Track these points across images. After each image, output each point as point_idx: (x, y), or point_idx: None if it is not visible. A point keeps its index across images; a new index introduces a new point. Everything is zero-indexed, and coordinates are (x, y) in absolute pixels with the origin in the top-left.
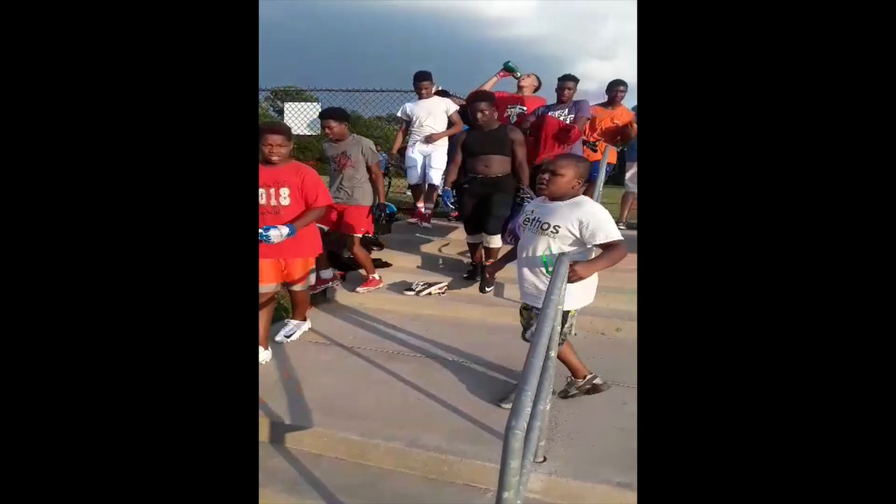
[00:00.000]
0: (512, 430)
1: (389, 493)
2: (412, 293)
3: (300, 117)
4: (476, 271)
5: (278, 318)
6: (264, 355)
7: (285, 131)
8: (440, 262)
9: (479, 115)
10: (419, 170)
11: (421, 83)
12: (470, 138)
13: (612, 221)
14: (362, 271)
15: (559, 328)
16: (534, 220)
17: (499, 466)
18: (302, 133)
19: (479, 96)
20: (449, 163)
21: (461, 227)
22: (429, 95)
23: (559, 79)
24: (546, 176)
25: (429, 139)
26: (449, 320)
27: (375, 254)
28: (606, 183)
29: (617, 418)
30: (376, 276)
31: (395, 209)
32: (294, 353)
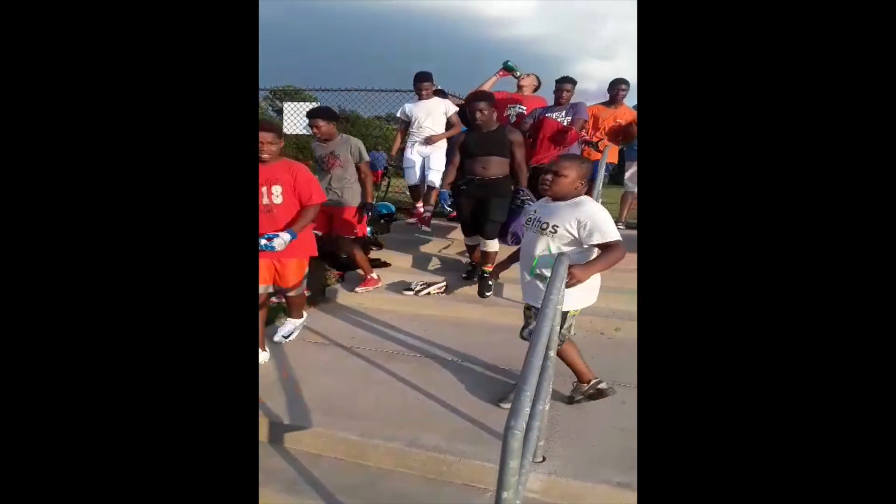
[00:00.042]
0: (511, 429)
1: (388, 492)
2: (411, 293)
3: (299, 117)
4: (475, 271)
5: (277, 318)
6: (262, 356)
7: (275, 129)
8: (439, 261)
9: (479, 114)
10: (417, 171)
11: (421, 84)
12: (468, 139)
13: (610, 222)
14: (360, 271)
15: (558, 328)
16: (535, 219)
17: (498, 466)
18: (300, 133)
19: (478, 96)
20: (448, 164)
21: (459, 227)
22: (429, 96)
23: (557, 81)
24: (549, 177)
25: (428, 140)
26: (448, 320)
27: (374, 253)
28: (607, 183)
29: (616, 418)
30: (374, 275)
31: (394, 209)
32: (293, 353)
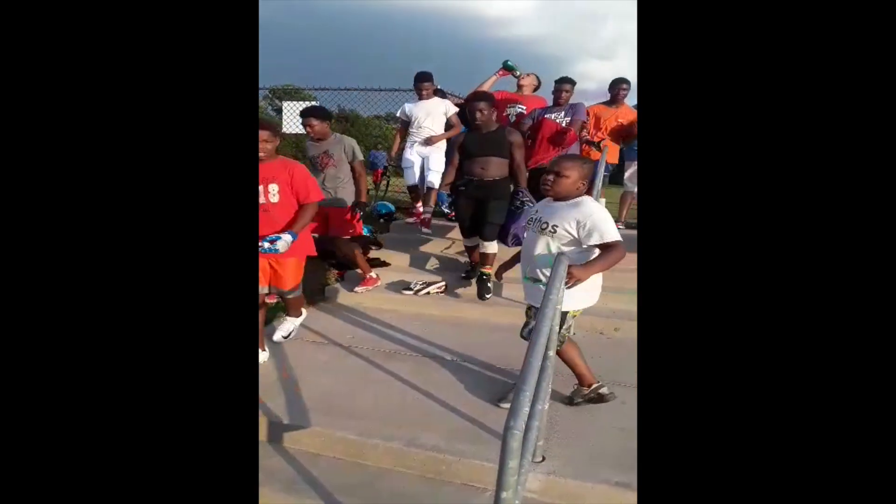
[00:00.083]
0: (510, 429)
1: (387, 492)
2: (410, 292)
3: (298, 116)
4: (474, 271)
5: (276, 318)
6: (262, 356)
7: (271, 126)
8: (438, 261)
9: (478, 114)
10: (416, 171)
11: (421, 84)
12: (468, 140)
13: (610, 222)
14: (359, 271)
15: (558, 328)
16: (536, 219)
17: (497, 466)
18: (300, 132)
19: (478, 96)
20: (447, 164)
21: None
22: (429, 96)
23: (556, 81)
24: (550, 177)
25: (427, 141)
26: (447, 320)
27: (374, 253)
28: (606, 183)
29: (616, 418)
30: (373, 274)
31: (394, 209)
32: (292, 352)
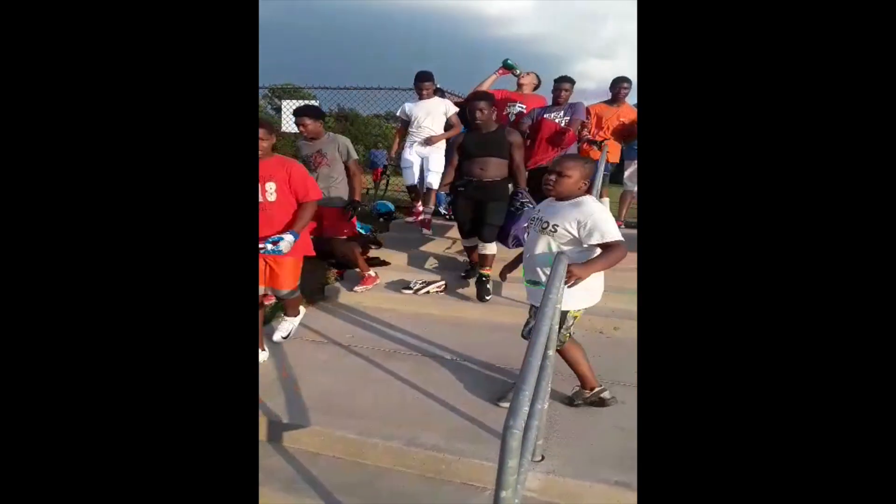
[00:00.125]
0: (510, 429)
1: (387, 491)
2: (410, 292)
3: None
4: (473, 270)
5: (274, 318)
6: (261, 355)
7: (266, 124)
8: (438, 260)
9: (478, 113)
10: (416, 171)
11: (422, 83)
12: (467, 140)
13: (611, 222)
14: (358, 270)
15: (557, 327)
16: (538, 219)
17: (497, 465)
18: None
19: (478, 96)
20: (446, 165)
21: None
22: (430, 96)
23: (555, 80)
24: (552, 177)
25: (427, 141)
26: (447, 319)
27: (373, 252)
28: (607, 182)
29: (615, 417)
30: (372, 273)
31: (394, 208)
32: (292, 351)
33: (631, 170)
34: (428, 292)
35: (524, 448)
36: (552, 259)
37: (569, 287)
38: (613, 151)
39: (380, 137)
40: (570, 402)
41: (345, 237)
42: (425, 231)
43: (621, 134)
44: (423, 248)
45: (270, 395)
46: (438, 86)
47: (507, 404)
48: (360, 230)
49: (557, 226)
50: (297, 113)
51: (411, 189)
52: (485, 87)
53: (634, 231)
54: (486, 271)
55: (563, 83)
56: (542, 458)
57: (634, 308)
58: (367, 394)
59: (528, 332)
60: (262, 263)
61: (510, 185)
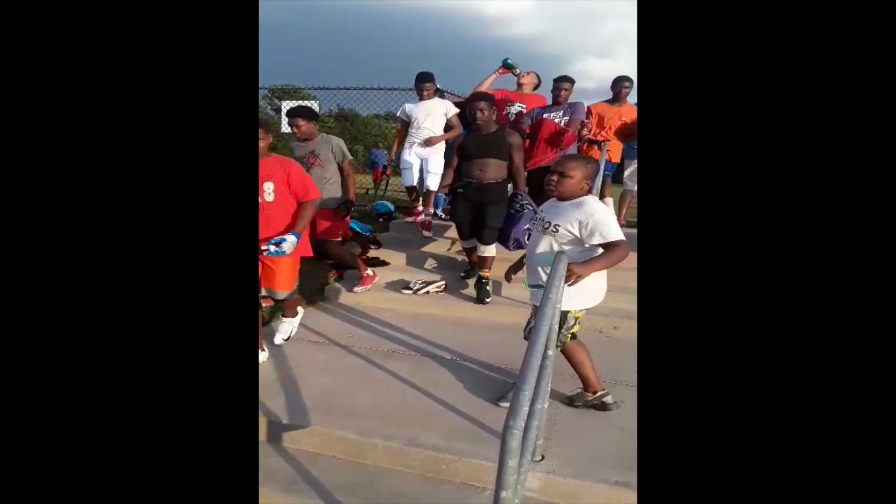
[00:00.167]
0: (510, 429)
1: (387, 491)
2: (410, 292)
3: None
4: (473, 270)
5: (274, 319)
6: (261, 355)
7: (263, 124)
8: (438, 260)
9: (479, 113)
10: (415, 172)
11: (423, 84)
12: (466, 141)
13: (612, 222)
14: (356, 271)
15: (557, 327)
16: (539, 219)
17: (496, 465)
18: None
19: (478, 96)
20: (446, 167)
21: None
22: (430, 97)
23: (555, 80)
24: (555, 177)
25: (427, 142)
26: (447, 319)
27: (373, 252)
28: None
29: (615, 417)
30: (370, 272)
31: (393, 208)
32: (291, 352)
33: (631, 169)
34: (428, 292)
35: (524, 448)
36: (552, 258)
37: (569, 286)
38: (616, 151)
39: (379, 137)
40: (570, 402)
41: (339, 239)
42: (425, 233)
43: (623, 133)
44: (422, 249)
45: (270, 396)
46: (438, 86)
47: (507, 404)
48: (360, 230)
49: (559, 226)
50: (291, 114)
51: (410, 190)
52: (485, 86)
53: (634, 230)
54: (485, 273)
55: (563, 83)
56: (543, 457)
57: (634, 308)
58: (367, 394)
59: (530, 332)
60: (259, 263)
61: (510, 187)
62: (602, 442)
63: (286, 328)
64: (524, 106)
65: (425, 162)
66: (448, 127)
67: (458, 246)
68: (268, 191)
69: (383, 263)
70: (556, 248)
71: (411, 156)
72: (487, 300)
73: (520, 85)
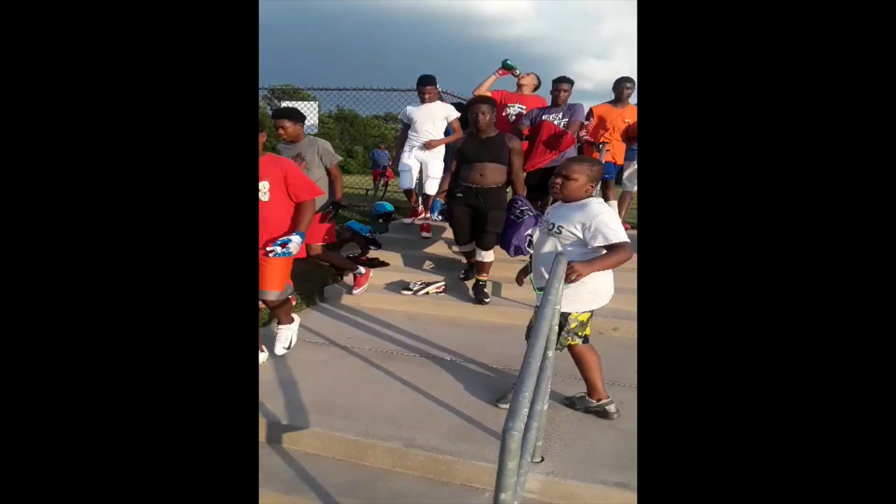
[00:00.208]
0: (509, 431)
1: (387, 492)
2: (410, 293)
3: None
4: (472, 271)
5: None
6: (261, 356)
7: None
8: (438, 261)
9: (480, 116)
10: (413, 174)
11: (424, 87)
12: (466, 145)
13: (615, 223)
14: (350, 274)
15: (557, 328)
16: (545, 221)
17: (496, 466)
18: None
19: (479, 99)
20: (445, 171)
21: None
22: (432, 100)
23: (553, 81)
24: (559, 180)
25: (426, 145)
26: (447, 320)
27: (373, 253)
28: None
29: (615, 419)
30: (361, 270)
31: (393, 209)
32: (291, 353)
33: (630, 170)
34: (427, 293)
35: (524, 449)
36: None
37: (568, 283)
38: (619, 153)
39: (379, 138)
40: (570, 404)
41: (324, 242)
42: (424, 234)
43: (627, 134)
44: (422, 249)
45: (270, 396)
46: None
47: (506, 405)
48: (360, 231)
49: (563, 227)
50: (276, 115)
51: (408, 193)
52: (484, 87)
53: (634, 232)
54: (483, 278)
55: (562, 84)
56: (542, 459)
57: (634, 308)
58: (366, 395)
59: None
60: None
61: (508, 191)
62: (601, 443)
63: (285, 336)
64: (524, 107)
65: (425, 166)
66: (449, 131)
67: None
68: (263, 190)
69: (383, 264)
70: (560, 249)
71: (411, 159)
72: (487, 301)
73: (520, 86)
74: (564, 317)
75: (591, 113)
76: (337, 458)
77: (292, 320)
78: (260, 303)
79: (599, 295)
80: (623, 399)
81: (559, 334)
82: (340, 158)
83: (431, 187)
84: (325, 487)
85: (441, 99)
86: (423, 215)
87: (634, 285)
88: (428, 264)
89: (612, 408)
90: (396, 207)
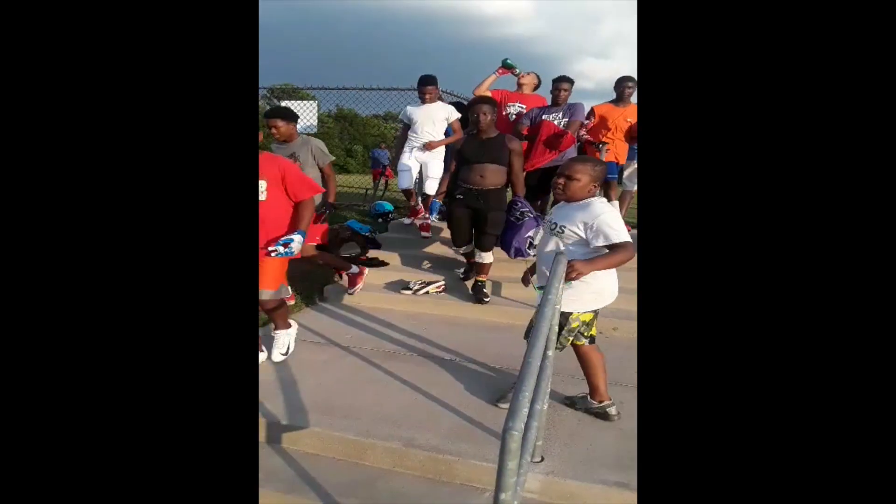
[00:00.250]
0: (509, 430)
1: (387, 492)
2: (409, 292)
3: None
4: (472, 270)
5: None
6: (260, 356)
7: None
8: (437, 261)
9: (481, 116)
10: (413, 175)
11: (424, 88)
12: (466, 146)
13: (618, 223)
14: (345, 275)
15: (557, 328)
16: (549, 220)
17: (496, 466)
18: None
19: (480, 100)
20: (445, 171)
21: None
22: (432, 100)
23: (553, 80)
24: (562, 181)
25: (426, 146)
26: (446, 319)
27: (372, 252)
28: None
29: (615, 420)
30: (355, 269)
31: (392, 208)
32: (291, 352)
33: (630, 170)
34: (427, 293)
35: (524, 449)
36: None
37: (568, 281)
38: (621, 153)
39: (379, 138)
40: (571, 403)
41: (316, 242)
42: (424, 234)
43: (630, 134)
44: (422, 249)
45: (270, 397)
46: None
47: (506, 405)
48: (359, 230)
49: (565, 227)
50: (269, 115)
51: (406, 192)
52: (484, 87)
53: (634, 231)
54: (482, 278)
55: (562, 83)
56: (542, 458)
57: (633, 308)
58: (366, 395)
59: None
60: None
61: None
62: (601, 443)
63: (283, 341)
64: (524, 106)
65: (424, 166)
66: (449, 131)
67: None
68: (261, 189)
69: (382, 264)
70: (562, 249)
71: (410, 159)
72: (486, 300)
73: (520, 85)
74: (565, 316)
75: (591, 112)
76: (337, 458)
77: (290, 325)
78: None
79: (603, 295)
80: (623, 399)
81: (559, 334)
82: (333, 158)
83: (431, 188)
84: (324, 487)
85: (441, 99)
86: (422, 215)
87: (634, 285)
88: (427, 264)
89: (612, 410)
90: (396, 207)
